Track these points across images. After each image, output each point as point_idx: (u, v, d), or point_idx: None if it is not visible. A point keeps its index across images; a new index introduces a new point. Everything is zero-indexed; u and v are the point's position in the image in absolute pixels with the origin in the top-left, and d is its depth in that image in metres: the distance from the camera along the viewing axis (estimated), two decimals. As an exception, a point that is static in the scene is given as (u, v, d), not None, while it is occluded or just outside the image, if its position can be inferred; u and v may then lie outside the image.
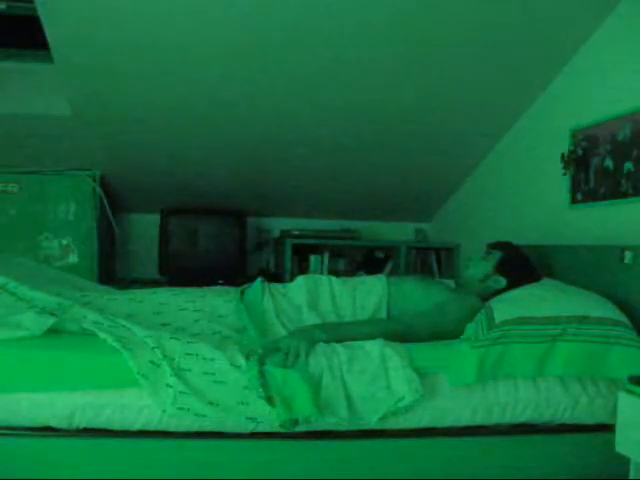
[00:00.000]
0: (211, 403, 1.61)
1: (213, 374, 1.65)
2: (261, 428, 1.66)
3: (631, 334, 1.86)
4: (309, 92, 2.91)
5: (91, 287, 2.43)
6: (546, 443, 1.83)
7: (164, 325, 1.99)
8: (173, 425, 1.65)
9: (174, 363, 1.65)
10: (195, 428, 1.67)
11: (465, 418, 1.79)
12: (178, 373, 1.63)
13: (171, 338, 1.73)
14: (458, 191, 3.88)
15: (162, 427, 1.65)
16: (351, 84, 2.85)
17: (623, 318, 1.91)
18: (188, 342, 1.73)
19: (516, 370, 1.81)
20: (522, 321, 1.86)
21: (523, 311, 1.91)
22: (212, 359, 1.68)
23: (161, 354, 1.65)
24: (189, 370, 1.65)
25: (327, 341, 1.86)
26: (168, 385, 1.61)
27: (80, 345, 1.72)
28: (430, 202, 4.09)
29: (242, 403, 1.63)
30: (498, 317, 1.90)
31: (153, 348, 1.67)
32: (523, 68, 2.79)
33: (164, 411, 1.60)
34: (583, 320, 1.86)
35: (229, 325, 2.05)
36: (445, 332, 2.03)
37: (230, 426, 1.67)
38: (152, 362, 1.64)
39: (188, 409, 1.60)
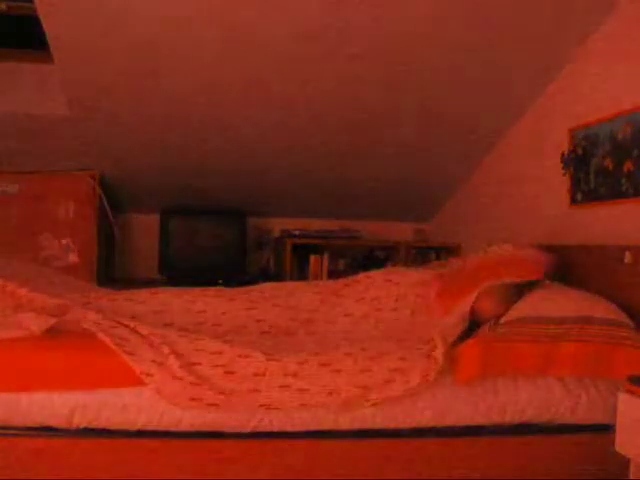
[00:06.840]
0: (222, 393, 1.62)
1: (223, 366, 1.67)
2: (261, 427, 1.67)
3: (634, 335, 1.86)
4: (308, 92, 2.91)
5: (89, 289, 2.43)
6: (546, 443, 1.83)
7: (166, 325, 1.99)
8: (173, 425, 1.65)
9: (183, 359, 1.66)
10: (195, 428, 1.67)
11: (465, 417, 1.79)
12: (188, 367, 1.64)
13: (178, 336, 1.75)
14: (458, 191, 3.87)
15: (162, 427, 1.65)
16: (350, 84, 2.85)
17: (626, 319, 1.90)
18: (195, 339, 1.75)
19: (518, 369, 1.81)
20: (525, 321, 1.86)
21: (526, 311, 1.91)
22: (220, 353, 1.70)
23: (168, 350, 1.66)
24: (199, 364, 1.67)
25: None
26: (177, 378, 1.61)
27: (80, 345, 1.72)
28: (430, 202, 4.09)
29: (254, 391, 1.64)
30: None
31: (160, 344, 1.68)
32: (523, 68, 2.79)
33: (176, 404, 1.60)
34: (587, 321, 1.86)
35: (231, 325, 2.05)
36: None
37: (230, 426, 1.67)
38: (154, 361, 1.64)
39: (200, 399, 1.60)
